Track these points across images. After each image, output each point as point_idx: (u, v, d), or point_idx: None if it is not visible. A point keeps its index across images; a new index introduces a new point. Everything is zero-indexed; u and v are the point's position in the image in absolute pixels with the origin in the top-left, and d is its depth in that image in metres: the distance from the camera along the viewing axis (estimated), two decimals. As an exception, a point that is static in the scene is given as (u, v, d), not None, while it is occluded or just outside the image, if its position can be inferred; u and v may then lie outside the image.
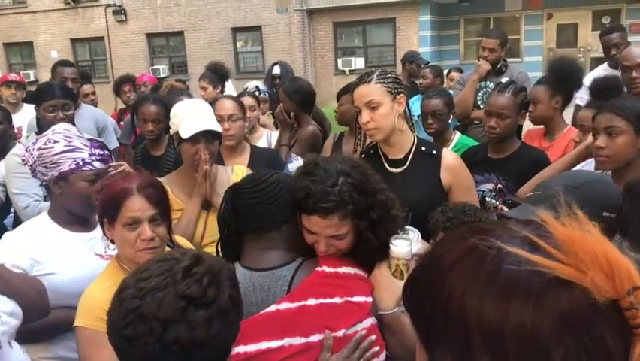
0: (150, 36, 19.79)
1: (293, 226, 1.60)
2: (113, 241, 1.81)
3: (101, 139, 3.42)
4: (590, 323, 0.58)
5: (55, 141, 2.01)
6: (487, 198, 2.67)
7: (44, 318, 1.95)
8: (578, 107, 3.41)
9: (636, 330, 0.58)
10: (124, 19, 19.64)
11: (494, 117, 2.77)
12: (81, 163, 2.01)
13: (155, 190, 1.77)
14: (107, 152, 2.15)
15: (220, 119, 2.82)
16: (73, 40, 20.56)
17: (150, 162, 3.43)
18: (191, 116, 2.34)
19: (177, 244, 1.96)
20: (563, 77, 3.24)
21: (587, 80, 3.73)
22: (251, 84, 4.61)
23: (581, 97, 3.73)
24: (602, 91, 3.10)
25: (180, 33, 19.32)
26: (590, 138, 2.37)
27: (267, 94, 4.99)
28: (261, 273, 1.55)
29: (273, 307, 1.49)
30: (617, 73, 3.58)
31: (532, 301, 0.59)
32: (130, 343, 1.04)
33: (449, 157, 2.30)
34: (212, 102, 3.10)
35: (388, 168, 2.29)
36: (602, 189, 1.61)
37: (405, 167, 2.27)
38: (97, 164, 2.05)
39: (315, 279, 1.53)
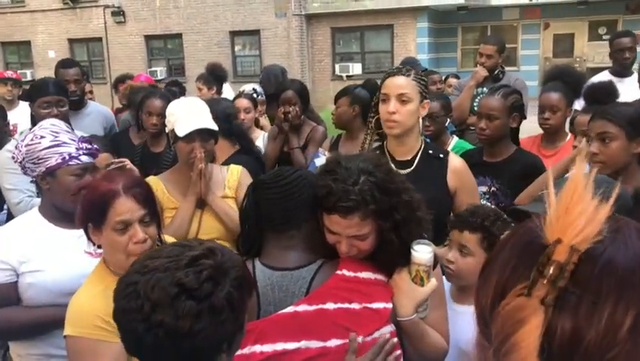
0: (148, 38, 19.78)
1: (314, 224, 1.55)
2: (99, 246, 1.73)
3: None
4: None
5: (42, 137, 1.99)
6: (481, 201, 2.68)
7: (32, 314, 1.94)
8: (575, 113, 3.42)
9: None
10: (122, 20, 19.62)
11: (484, 119, 2.79)
12: (67, 157, 1.98)
13: (141, 189, 1.69)
14: (95, 146, 2.12)
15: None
16: (71, 41, 20.52)
17: (150, 159, 3.40)
18: (186, 115, 2.33)
19: (166, 243, 1.93)
20: (577, 85, 3.28)
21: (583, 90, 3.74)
22: (247, 87, 4.61)
23: (579, 104, 3.74)
24: (596, 96, 3.11)
25: (179, 35, 19.32)
26: (584, 142, 2.38)
27: (263, 96, 4.99)
28: (280, 273, 1.52)
29: (290, 309, 1.46)
30: (619, 80, 3.60)
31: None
32: (121, 314, 1.07)
33: (456, 161, 2.31)
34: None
35: (395, 169, 2.29)
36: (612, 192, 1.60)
37: (411, 168, 2.26)
38: (84, 158, 2.02)
39: (334, 283, 1.50)
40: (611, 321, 0.59)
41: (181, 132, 2.28)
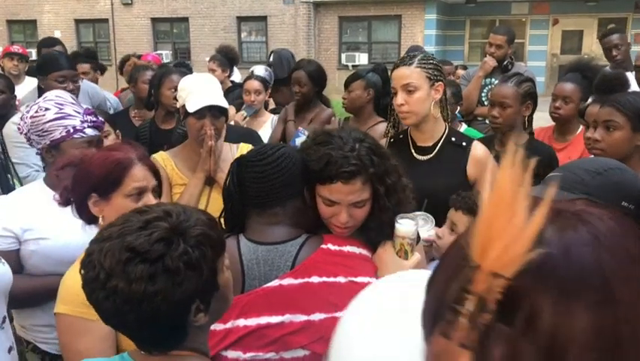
0: (155, 21, 19.71)
1: (298, 202, 1.57)
2: (91, 221, 1.69)
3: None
4: None
5: (47, 109, 1.97)
6: None
7: (33, 282, 1.94)
8: (582, 108, 3.40)
9: None
10: (129, 2, 19.54)
11: (497, 107, 2.78)
12: (72, 130, 1.96)
13: (150, 162, 1.73)
14: (100, 119, 2.10)
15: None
16: (78, 21, 20.46)
17: (159, 136, 3.36)
18: (198, 91, 2.32)
19: None
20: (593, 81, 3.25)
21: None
22: (258, 67, 4.54)
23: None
24: (607, 87, 3.09)
25: (185, 19, 19.24)
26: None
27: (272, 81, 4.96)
28: (265, 247, 1.53)
29: (275, 282, 1.47)
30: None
31: None
32: (84, 285, 1.07)
33: (479, 150, 2.26)
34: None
35: (415, 154, 2.27)
36: (625, 178, 1.58)
37: (432, 155, 2.24)
38: (89, 131, 2.00)
39: (319, 256, 1.51)
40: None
41: (192, 108, 2.26)
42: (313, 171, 1.52)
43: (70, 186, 1.67)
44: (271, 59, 5.39)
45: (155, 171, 1.71)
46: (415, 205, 1.69)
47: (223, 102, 2.34)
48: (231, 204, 1.62)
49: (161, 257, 1.03)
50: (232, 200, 1.61)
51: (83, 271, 1.07)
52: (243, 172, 1.59)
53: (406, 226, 1.57)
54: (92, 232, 1.96)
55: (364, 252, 1.59)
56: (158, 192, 1.73)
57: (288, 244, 1.53)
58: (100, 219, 1.66)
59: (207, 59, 5.45)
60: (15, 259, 1.94)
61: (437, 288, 0.58)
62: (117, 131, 2.85)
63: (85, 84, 4.21)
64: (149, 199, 1.65)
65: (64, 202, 1.70)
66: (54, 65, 3.16)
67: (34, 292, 1.95)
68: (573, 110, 3.18)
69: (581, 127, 3.23)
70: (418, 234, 1.64)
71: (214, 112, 2.30)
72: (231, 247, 1.53)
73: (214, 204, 2.33)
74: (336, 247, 1.54)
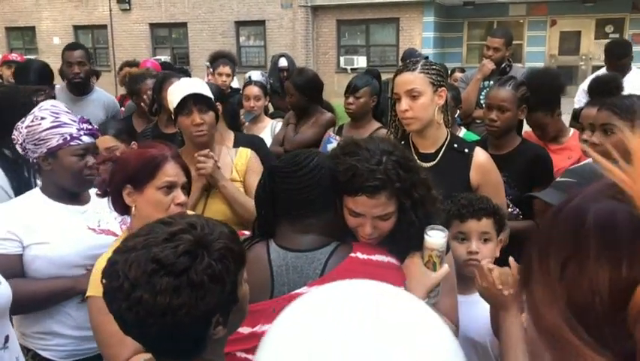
0: (153, 26, 19.75)
1: (331, 211, 1.55)
2: (123, 212, 1.83)
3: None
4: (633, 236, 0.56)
5: (43, 118, 2.00)
6: None
7: (39, 285, 1.96)
8: (577, 110, 3.41)
9: None
10: (127, 8, 19.59)
11: (495, 110, 2.77)
12: (69, 138, 1.99)
13: (182, 161, 1.86)
14: (95, 126, 2.14)
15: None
16: (76, 27, 20.50)
17: (163, 140, 3.36)
18: (181, 87, 2.37)
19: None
20: (551, 91, 3.21)
21: (586, 84, 3.73)
22: (254, 73, 4.55)
23: (579, 101, 3.73)
24: (601, 89, 3.10)
25: (184, 24, 19.28)
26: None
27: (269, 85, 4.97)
28: (295, 254, 1.51)
29: (304, 289, 1.45)
30: None
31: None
32: (106, 295, 1.08)
33: (481, 156, 2.24)
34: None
35: (417, 161, 2.26)
36: None
37: (434, 162, 2.23)
38: (85, 138, 2.04)
39: (348, 265, 1.49)
40: None
41: (176, 101, 2.28)
42: (340, 181, 1.50)
43: (109, 178, 1.81)
44: (282, 63, 5.37)
45: (186, 170, 1.83)
46: (443, 217, 1.67)
47: (206, 91, 2.35)
48: (264, 213, 1.60)
49: (185, 270, 1.04)
50: (265, 209, 1.60)
51: (105, 281, 1.08)
52: (277, 183, 1.56)
53: (434, 238, 1.54)
54: (92, 235, 2.01)
55: (393, 261, 1.56)
56: (187, 188, 1.84)
57: (317, 251, 1.51)
58: (132, 209, 1.78)
59: (207, 63, 5.36)
60: (19, 264, 1.96)
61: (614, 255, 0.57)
62: (133, 143, 2.88)
63: (100, 94, 4.21)
64: (179, 194, 1.78)
65: (102, 193, 1.85)
66: (20, 78, 3.19)
67: (38, 296, 1.96)
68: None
69: (572, 130, 3.23)
70: (448, 245, 1.61)
71: (200, 105, 2.31)
72: (261, 252, 1.53)
73: (211, 210, 2.34)
74: (365, 256, 1.52)
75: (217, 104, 2.50)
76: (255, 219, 1.65)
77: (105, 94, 4.33)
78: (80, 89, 4.01)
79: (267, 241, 1.56)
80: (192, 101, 2.30)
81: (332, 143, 3.12)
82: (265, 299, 1.43)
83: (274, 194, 1.56)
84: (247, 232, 1.70)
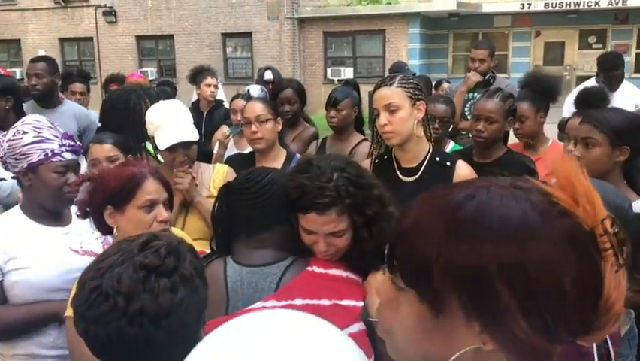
0: (140, 38, 19.70)
1: (285, 226, 1.57)
2: (106, 232, 1.80)
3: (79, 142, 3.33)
4: (587, 248, 0.66)
5: (25, 132, 1.96)
6: None
7: (21, 311, 1.92)
8: (563, 121, 3.44)
9: (606, 253, 0.66)
10: (114, 20, 19.53)
11: (482, 121, 2.80)
12: (50, 154, 1.95)
13: (162, 176, 1.84)
14: (78, 143, 2.10)
15: (246, 121, 2.77)
16: (62, 40, 20.39)
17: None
18: (167, 124, 2.33)
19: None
20: (545, 90, 3.26)
21: (574, 95, 3.76)
22: (253, 88, 4.49)
23: (569, 110, 3.76)
24: (587, 101, 3.13)
25: (170, 36, 19.25)
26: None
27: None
28: (250, 269, 1.53)
29: (258, 304, 1.46)
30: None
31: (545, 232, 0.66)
32: (96, 323, 1.01)
33: (463, 169, 2.25)
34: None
35: (400, 176, 2.26)
36: (611, 199, 1.58)
37: (417, 176, 2.23)
38: (67, 155, 1.99)
39: (304, 279, 1.50)
40: None
41: (162, 145, 2.29)
42: (291, 199, 1.52)
43: (88, 199, 1.78)
44: (267, 75, 5.37)
45: (166, 185, 1.82)
46: None
47: (193, 135, 2.36)
48: (221, 230, 1.63)
49: (175, 268, 1.06)
50: (221, 226, 1.62)
51: (90, 311, 1.01)
52: (232, 199, 1.59)
53: None
54: (75, 257, 1.96)
55: (351, 275, 1.56)
56: (168, 204, 1.82)
57: (273, 266, 1.52)
58: (114, 230, 1.75)
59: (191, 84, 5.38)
60: (1, 291, 1.92)
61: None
62: (129, 156, 2.85)
63: (71, 105, 4.12)
64: (161, 211, 1.75)
65: (83, 215, 1.82)
66: None
67: (19, 324, 1.92)
68: (532, 126, 3.18)
69: (551, 139, 3.26)
70: None
71: (185, 145, 2.33)
72: (217, 268, 1.54)
73: (190, 228, 2.34)
74: (322, 270, 1.53)
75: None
76: (212, 236, 1.68)
77: (77, 106, 4.23)
78: (43, 101, 3.91)
79: (224, 257, 1.57)
80: (180, 144, 2.33)
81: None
82: (220, 315, 1.43)
83: (230, 210, 1.58)
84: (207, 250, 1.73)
